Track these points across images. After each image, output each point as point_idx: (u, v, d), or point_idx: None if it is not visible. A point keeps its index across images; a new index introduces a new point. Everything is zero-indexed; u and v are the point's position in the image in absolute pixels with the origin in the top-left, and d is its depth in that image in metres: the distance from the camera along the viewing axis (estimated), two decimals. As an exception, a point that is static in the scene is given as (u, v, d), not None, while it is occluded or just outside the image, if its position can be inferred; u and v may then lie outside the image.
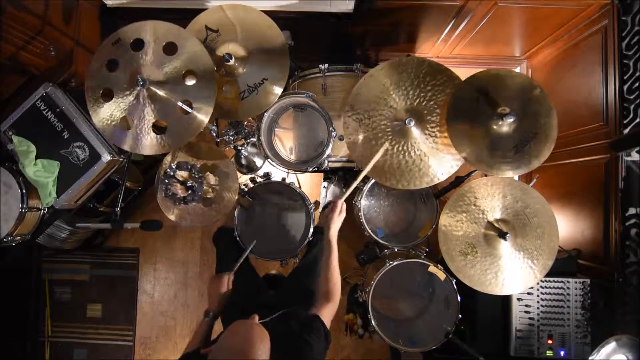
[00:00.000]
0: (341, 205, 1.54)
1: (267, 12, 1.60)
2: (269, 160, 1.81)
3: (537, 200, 1.59)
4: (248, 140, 2.07)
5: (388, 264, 1.73)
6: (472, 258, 1.58)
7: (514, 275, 1.58)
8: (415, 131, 1.55)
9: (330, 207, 1.55)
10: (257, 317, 1.12)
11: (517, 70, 2.55)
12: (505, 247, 1.57)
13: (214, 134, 1.91)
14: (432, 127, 1.56)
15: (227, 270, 1.50)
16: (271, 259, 1.80)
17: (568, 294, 1.76)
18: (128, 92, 1.44)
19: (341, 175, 2.36)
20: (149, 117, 1.44)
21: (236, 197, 1.64)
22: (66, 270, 2.67)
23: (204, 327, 1.41)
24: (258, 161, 2.20)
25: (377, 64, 1.59)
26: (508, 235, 1.53)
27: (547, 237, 1.58)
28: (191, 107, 1.45)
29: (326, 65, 1.77)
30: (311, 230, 1.78)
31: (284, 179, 1.83)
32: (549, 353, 1.75)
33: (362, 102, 1.58)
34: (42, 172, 1.72)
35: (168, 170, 1.56)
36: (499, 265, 1.57)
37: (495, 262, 1.57)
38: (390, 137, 1.57)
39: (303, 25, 1.98)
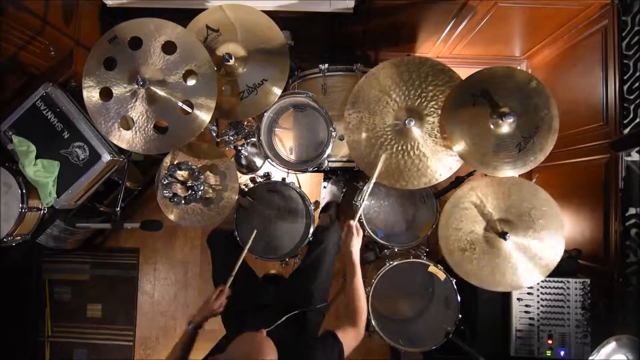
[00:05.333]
0: (355, 226, 1.43)
1: (267, 12, 1.60)
2: (269, 160, 1.81)
3: (545, 202, 1.56)
4: (248, 140, 2.07)
5: (388, 264, 1.73)
6: (470, 254, 1.57)
7: (513, 275, 1.57)
8: (415, 131, 1.55)
9: (345, 231, 1.44)
10: (265, 332, 1.12)
11: (517, 70, 2.54)
12: (505, 247, 1.56)
13: (214, 134, 1.91)
14: (432, 128, 1.56)
15: (223, 280, 1.47)
16: (271, 259, 1.80)
17: (568, 294, 1.76)
18: (127, 92, 1.44)
19: (341, 175, 2.37)
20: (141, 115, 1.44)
21: (236, 197, 1.64)
22: (66, 270, 2.66)
23: (186, 337, 1.36)
24: (258, 161, 2.20)
25: (377, 64, 1.58)
26: (508, 235, 1.53)
27: (552, 240, 1.55)
28: (191, 108, 1.45)
29: (326, 65, 1.76)
30: (311, 230, 1.78)
31: (284, 179, 1.83)
32: (549, 353, 1.75)
33: (363, 101, 1.58)
34: (42, 172, 1.72)
35: (168, 170, 1.56)
36: (498, 264, 1.57)
37: (495, 261, 1.57)
38: (390, 138, 1.57)
39: (303, 25, 1.98)
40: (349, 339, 1.24)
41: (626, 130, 1.69)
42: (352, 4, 1.91)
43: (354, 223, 1.43)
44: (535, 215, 1.56)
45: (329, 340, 1.21)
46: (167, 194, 1.55)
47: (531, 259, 1.56)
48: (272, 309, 1.47)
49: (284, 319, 1.31)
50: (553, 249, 1.56)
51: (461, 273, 1.57)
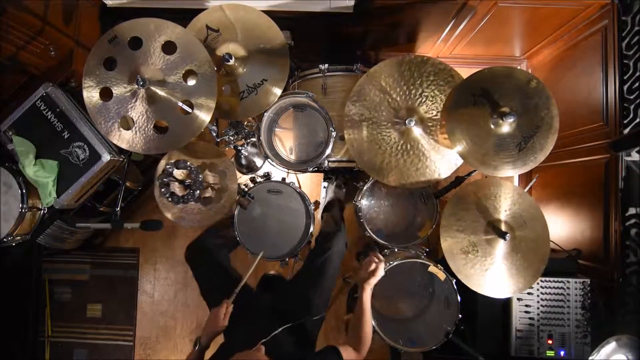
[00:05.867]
0: (380, 266, 1.39)
1: (267, 12, 1.60)
2: (269, 160, 1.81)
3: (532, 204, 1.61)
4: (248, 140, 2.07)
5: (388, 264, 1.72)
6: (473, 257, 1.58)
7: (510, 276, 1.58)
8: (415, 131, 1.55)
9: (366, 268, 1.40)
10: (263, 349, 1.12)
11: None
12: (503, 247, 1.57)
13: (214, 134, 1.91)
14: (432, 127, 1.56)
15: (223, 294, 1.42)
16: (271, 259, 1.80)
17: (568, 294, 1.76)
18: (127, 92, 1.44)
19: (341, 175, 2.37)
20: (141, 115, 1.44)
21: (236, 197, 1.64)
22: (66, 270, 2.67)
23: (192, 357, 1.33)
24: (258, 161, 2.20)
25: (377, 64, 1.58)
26: (507, 235, 1.53)
27: (540, 241, 1.59)
28: (191, 108, 1.45)
29: (326, 65, 1.76)
30: (311, 230, 1.78)
31: (284, 179, 1.83)
32: (549, 353, 1.75)
33: (363, 100, 1.58)
34: (42, 172, 1.72)
35: (166, 169, 1.55)
36: (496, 265, 1.57)
37: (494, 263, 1.57)
38: (390, 137, 1.57)
39: (303, 25, 1.98)
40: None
41: (626, 130, 1.69)
42: (352, 4, 1.91)
43: (382, 264, 1.40)
44: (526, 217, 1.58)
45: (330, 356, 1.22)
46: (164, 193, 1.54)
47: (525, 261, 1.58)
48: (270, 317, 1.45)
49: (280, 329, 1.30)
50: (542, 249, 1.59)
51: (463, 278, 1.57)
